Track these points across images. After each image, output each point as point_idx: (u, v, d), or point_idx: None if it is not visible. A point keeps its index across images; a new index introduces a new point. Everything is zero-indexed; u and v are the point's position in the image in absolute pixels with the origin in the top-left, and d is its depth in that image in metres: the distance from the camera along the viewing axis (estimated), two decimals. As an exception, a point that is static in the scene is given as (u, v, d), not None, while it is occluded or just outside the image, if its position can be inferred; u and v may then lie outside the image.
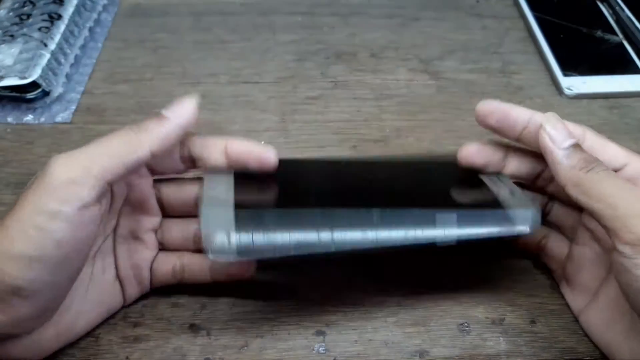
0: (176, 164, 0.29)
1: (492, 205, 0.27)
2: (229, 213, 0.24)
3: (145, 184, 0.29)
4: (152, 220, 0.30)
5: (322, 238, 0.25)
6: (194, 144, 0.28)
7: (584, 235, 0.29)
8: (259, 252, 0.24)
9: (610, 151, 0.27)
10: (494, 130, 0.29)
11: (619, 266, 0.24)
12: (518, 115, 0.28)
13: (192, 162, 0.29)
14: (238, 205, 0.25)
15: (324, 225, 0.25)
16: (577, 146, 0.26)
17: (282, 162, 0.28)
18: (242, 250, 0.24)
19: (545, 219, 0.31)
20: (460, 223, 0.26)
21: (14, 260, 0.22)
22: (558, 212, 0.31)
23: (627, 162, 0.27)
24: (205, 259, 0.29)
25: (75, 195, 0.23)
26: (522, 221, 0.27)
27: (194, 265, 0.30)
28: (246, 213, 0.25)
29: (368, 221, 0.26)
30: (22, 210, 0.23)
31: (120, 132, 0.25)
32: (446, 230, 0.26)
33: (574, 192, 0.25)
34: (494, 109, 0.29)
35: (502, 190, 0.28)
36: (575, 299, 0.30)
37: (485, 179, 0.29)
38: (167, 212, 0.31)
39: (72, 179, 0.23)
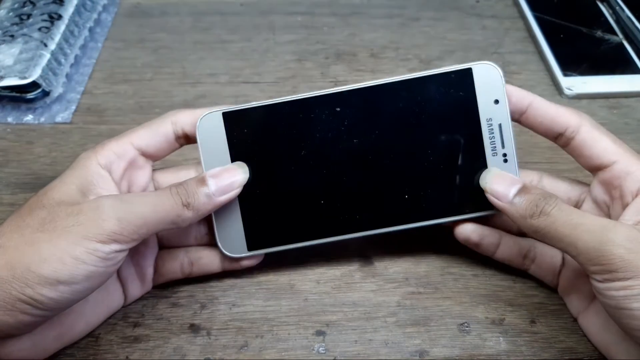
0: (172, 145, 0.30)
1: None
2: (240, 232, 0.30)
3: (144, 176, 0.30)
4: None
5: (329, 241, 0.30)
6: (186, 122, 0.30)
7: None
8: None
9: (600, 146, 0.28)
10: None
11: (595, 288, 0.25)
12: (517, 99, 0.29)
13: (186, 139, 0.30)
14: (245, 214, 0.30)
15: (330, 234, 0.30)
16: (521, 192, 0.27)
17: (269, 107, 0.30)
18: (255, 255, 0.31)
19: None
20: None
21: (42, 279, 0.23)
22: None
23: (615, 160, 0.27)
24: (214, 252, 0.31)
25: (118, 242, 0.25)
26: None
27: (203, 259, 0.31)
28: (257, 234, 0.30)
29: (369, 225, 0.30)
30: (61, 236, 0.24)
31: (168, 196, 0.27)
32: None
33: (537, 238, 0.27)
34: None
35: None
36: (572, 304, 0.30)
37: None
38: None
39: (119, 230, 0.25)
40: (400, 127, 0.30)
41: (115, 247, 0.25)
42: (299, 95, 0.29)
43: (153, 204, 0.26)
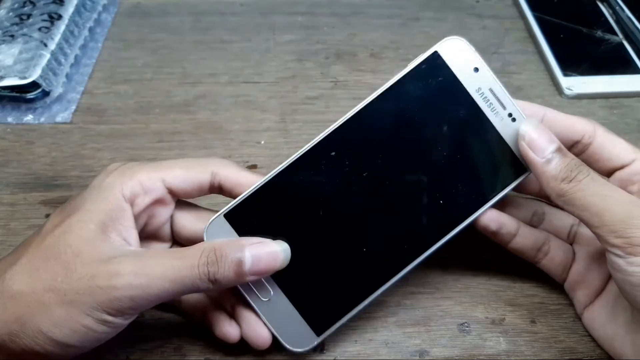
0: (203, 192, 0.29)
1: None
2: (301, 322, 0.28)
3: (165, 214, 0.29)
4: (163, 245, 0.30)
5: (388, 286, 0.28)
6: (227, 178, 0.28)
7: (583, 235, 0.30)
8: None
9: (619, 147, 0.28)
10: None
11: (613, 265, 0.25)
12: (532, 114, 0.28)
13: (220, 190, 0.29)
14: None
15: (387, 277, 0.28)
16: (558, 152, 0.26)
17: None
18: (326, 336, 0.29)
19: (542, 225, 0.31)
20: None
21: (52, 342, 0.23)
22: (553, 217, 0.31)
23: (635, 158, 0.28)
24: None
25: (129, 313, 0.24)
26: None
27: None
28: (317, 316, 0.28)
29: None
30: (73, 303, 0.23)
31: (194, 268, 0.24)
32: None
33: (559, 202, 0.26)
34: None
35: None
36: (579, 298, 0.30)
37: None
38: (177, 239, 0.30)
39: (131, 305, 0.24)
40: (401, 141, 0.28)
41: (128, 317, 0.25)
42: (289, 160, 0.27)
43: (173, 277, 0.24)
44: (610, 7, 0.51)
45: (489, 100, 0.28)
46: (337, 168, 0.28)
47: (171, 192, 0.28)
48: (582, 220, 0.26)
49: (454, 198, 0.28)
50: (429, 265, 0.33)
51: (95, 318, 0.23)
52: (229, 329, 0.28)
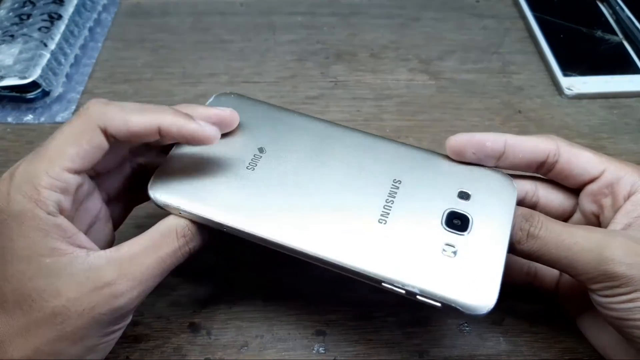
0: (105, 152, 0.25)
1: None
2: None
3: (95, 200, 0.27)
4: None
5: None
6: (118, 128, 0.24)
7: None
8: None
9: (585, 160, 0.27)
10: (473, 161, 0.28)
11: (594, 301, 0.25)
12: (493, 143, 0.27)
13: (118, 142, 0.25)
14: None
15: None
16: None
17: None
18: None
19: None
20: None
21: None
22: None
23: (604, 169, 0.27)
24: None
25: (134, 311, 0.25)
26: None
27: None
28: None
29: None
30: (86, 336, 0.23)
31: (170, 253, 0.24)
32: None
33: (532, 260, 0.25)
34: (467, 141, 0.27)
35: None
36: (571, 308, 0.30)
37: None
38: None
39: (136, 307, 0.24)
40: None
41: (132, 316, 0.25)
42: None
43: (162, 271, 0.24)
44: (610, 7, 0.51)
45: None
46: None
47: (77, 173, 0.24)
48: (561, 271, 0.26)
49: None
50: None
51: (110, 332, 0.24)
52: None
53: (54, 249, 0.22)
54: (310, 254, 0.24)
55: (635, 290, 0.23)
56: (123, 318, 0.24)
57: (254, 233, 0.25)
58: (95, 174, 0.27)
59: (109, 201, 0.28)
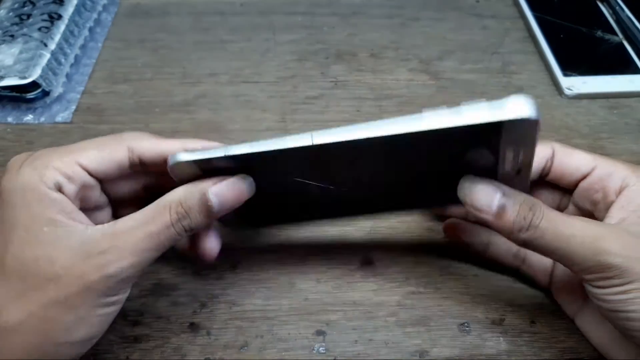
0: (124, 172, 0.27)
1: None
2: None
3: (94, 196, 0.28)
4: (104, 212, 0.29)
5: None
6: (144, 153, 0.27)
7: None
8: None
9: (576, 159, 0.28)
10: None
11: (589, 293, 0.25)
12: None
13: (143, 167, 0.27)
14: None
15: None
16: (505, 198, 0.25)
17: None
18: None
19: None
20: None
21: (76, 344, 0.24)
22: None
23: (594, 165, 0.27)
24: None
25: (129, 284, 0.25)
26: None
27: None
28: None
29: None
30: (79, 303, 0.23)
31: (163, 228, 0.24)
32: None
33: (527, 248, 0.26)
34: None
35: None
36: (568, 305, 0.30)
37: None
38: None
39: (129, 278, 0.24)
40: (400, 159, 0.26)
41: (128, 288, 0.25)
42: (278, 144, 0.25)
43: (155, 245, 0.24)
44: (610, 7, 0.51)
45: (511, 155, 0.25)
46: (324, 167, 0.26)
47: (90, 174, 0.26)
48: (556, 261, 0.26)
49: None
50: (429, 265, 0.33)
51: (104, 304, 0.24)
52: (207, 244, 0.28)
53: (52, 219, 0.23)
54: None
55: (629, 282, 0.23)
56: (116, 290, 0.24)
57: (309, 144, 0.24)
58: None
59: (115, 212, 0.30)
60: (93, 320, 0.24)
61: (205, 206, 0.25)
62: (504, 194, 0.25)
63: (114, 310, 0.25)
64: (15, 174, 0.24)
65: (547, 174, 0.29)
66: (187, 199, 0.25)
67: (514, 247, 0.30)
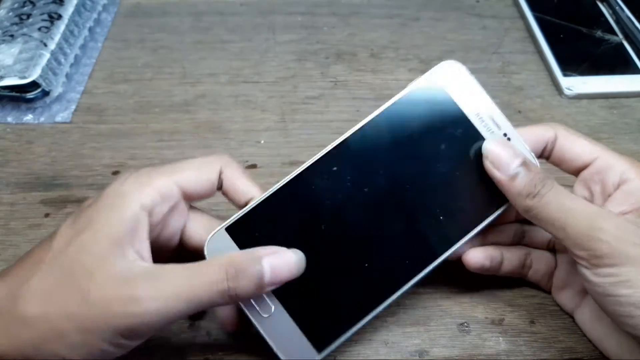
0: (212, 192, 0.28)
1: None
2: (301, 337, 0.27)
3: (180, 221, 0.28)
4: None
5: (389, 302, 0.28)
6: (228, 179, 0.28)
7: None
8: None
9: (579, 147, 0.28)
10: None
11: (582, 275, 0.25)
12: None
13: (220, 187, 0.28)
14: None
15: (387, 294, 0.28)
16: (523, 166, 0.26)
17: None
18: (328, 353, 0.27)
19: (522, 241, 0.31)
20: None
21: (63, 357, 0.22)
22: (532, 232, 0.31)
23: (596, 156, 0.28)
24: None
25: (146, 335, 0.24)
26: None
27: None
28: (318, 331, 0.27)
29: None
30: (91, 329, 0.22)
31: (215, 289, 0.23)
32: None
33: (527, 217, 0.27)
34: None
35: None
36: (567, 301, 0.31)
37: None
38: (185, 246, 0.29)
39: (150, 327, 0.23)
40: (398, 160, 0.28)
41: (142, 339, 0.24)
42: (289, 176, 0.27)
43: (190, 298, 0.23)
44: (610, 7, 0.51)
45: (484, 122, 0.28)
46: (338, 183, 0.28)
47: (185, 195, 0.27)
48: (550, 233, 0.26)
49: (453, 215, 0.28)
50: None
51: (112, 343, 0.23)
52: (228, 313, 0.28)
53: (119, 238, 0.23)
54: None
55: (618, 265, 0.23)
56: (133, 335, 0.23)
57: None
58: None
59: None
60: (94, 351, 0.23)
61: (259, 274, 0.24)
62: (523, 162, 0.26)
63: (116, 352, 0.23)
64: (120, 184, 0.25)
65: (548, 157, 0.29)
66: (241, 261, 0.24)
67: (522, 258, 0.30)
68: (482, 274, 0.33)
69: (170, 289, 0.23)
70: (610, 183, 0.27)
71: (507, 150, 0.27)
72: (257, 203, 0.27)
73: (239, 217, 0.27)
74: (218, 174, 0.27)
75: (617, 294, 0.23)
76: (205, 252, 0.26)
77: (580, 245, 0.24)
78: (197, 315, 0.31)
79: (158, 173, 0.26)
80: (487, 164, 0.27)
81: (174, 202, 0.26)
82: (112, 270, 0.23)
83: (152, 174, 0.25)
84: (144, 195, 0.24)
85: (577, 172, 0.29)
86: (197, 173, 0.27)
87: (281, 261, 0.25)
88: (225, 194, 0.28)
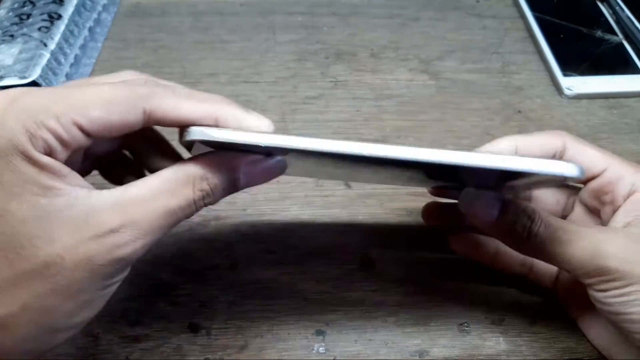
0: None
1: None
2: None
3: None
4: None
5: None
6: (166, 116, 0.22)
7: None
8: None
9: (588, 156, 0.27)
10: None
11: (590, 296, 0.25)
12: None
13: (150, 127, 0.24)
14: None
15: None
16: (504, 209, 0.25)
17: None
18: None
19: None
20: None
21: (66, 329, 0.21)
22: None
23: (606, 166, 0.27)
24: None
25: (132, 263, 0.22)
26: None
27: None
28: None
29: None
30: (82, 289, 0.20)
31: (183, 205, 0.21)
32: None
33: (527, 255, 0.26)
34: None
35: None
36: (571, 308, 0.30)
37: None
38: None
39: (137, 258, 0.21)
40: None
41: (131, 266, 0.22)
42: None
43: (171, 222, 0.21)
44: (610, 7, 0.51)
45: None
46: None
47: (88, 136, 0.20)
48: (556, 266, 0.26)
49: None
50: (429, 265, 0.33)
51: (107, 286, 0.21)
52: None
53: (49, 186, 0.19)
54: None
55: (628, 284, 0.23)
56: (123, 270, 0.21)
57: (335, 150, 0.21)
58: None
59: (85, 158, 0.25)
60: (94, 304, 0.21)
61: (233, 183, 0.22)
62: (503, 203, 0.25)
63: (116, 287, 0.22)
64: None
65: None
66: (215, 176, 0.22)
67: (520, 256, 0.30)
68: (482, 274, 0.33)
69: (151, 221, 0.21)
70: (620, 194, 0.27)
71: (482, 201, 0.25)
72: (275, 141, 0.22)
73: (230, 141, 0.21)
74: (141, 117, 0.21)
75: (629, 312, 0.23)
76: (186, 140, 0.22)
77: (588, 275, 0.24)
78: (197, 315, 0.31)
79: (51, 104, 0.19)
80: (470, 218, 0.26)
81: (77, 148, 0.20)
82: (74, 221, 0.20)
83: (43, 106, 0.19)
84: (36, 142, 0.19)
85: (585, 182, 0.28)
86: (106, 114, 0.20)
87: (258, 169, 0.23)
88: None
